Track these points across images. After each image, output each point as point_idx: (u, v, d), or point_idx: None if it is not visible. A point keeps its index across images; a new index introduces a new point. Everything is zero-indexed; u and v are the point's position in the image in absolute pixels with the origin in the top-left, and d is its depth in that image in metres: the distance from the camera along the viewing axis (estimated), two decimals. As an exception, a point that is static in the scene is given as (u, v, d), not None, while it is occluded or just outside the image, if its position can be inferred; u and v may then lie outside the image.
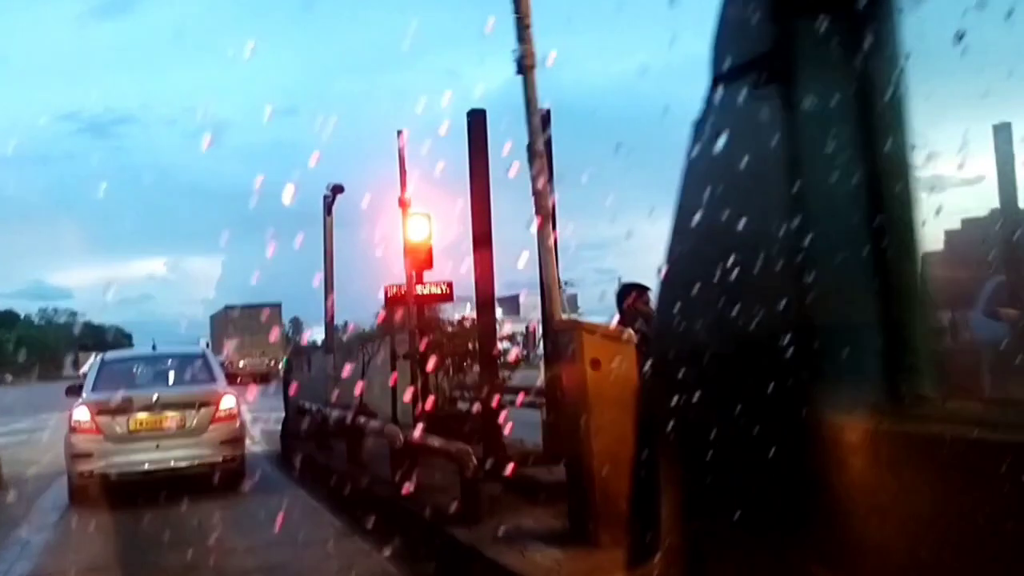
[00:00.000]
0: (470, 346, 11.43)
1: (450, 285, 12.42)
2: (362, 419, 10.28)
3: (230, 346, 44.10)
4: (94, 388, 11.23)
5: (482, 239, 8.93)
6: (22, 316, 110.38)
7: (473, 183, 8.99)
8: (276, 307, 48.88)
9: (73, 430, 10.56)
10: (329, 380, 13.90)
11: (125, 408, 10.61)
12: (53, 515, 10.21)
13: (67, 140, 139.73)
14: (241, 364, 42.47)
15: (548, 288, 9.06)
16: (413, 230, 11.71)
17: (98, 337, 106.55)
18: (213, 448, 10.63)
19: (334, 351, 14.30)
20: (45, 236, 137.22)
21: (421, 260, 11.85)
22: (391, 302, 12.35)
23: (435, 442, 7.57)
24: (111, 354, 13.90)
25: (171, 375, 12.24)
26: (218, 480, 10.44)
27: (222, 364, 15.26)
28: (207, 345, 37.61)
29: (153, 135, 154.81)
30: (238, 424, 11.17)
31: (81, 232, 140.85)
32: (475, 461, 6.81)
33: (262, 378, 39.70)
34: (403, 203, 11.00)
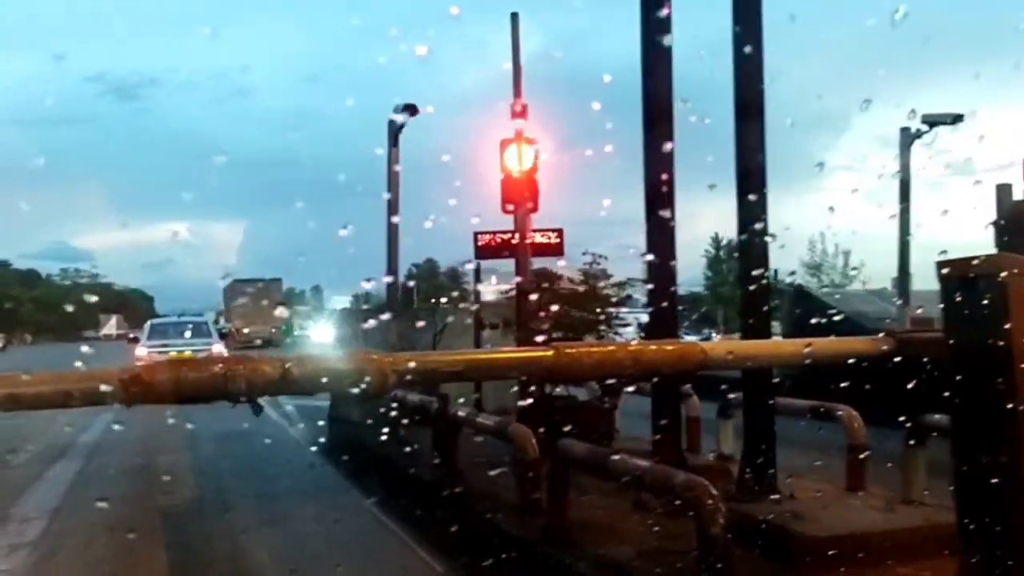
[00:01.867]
0: (598, 312, 8.48)
1: (560, 233, 9.50)
2: (463, 411, 7.39)
3: (237, 315, 49.85)
4: (148, 338, 20.49)
5: (661, 180, 5.93)
6: (44, 276, 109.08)
7: (649, 55, 5.99)
8: (278, 281, 55.37)
9: (135, 361, 15.03)
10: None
11: (166, 350, 18.25)
12: (34, 528, 7.43)
13: (93, 102, 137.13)
14: (246, 331, 47.71)
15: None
16: (517, 158, 8.82)
17: (120, 299, 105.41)
18: None
19: (398, 316, 11.47)
20: (69, 198, 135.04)
21: (525, 198, 8.96)
22: (484, 252, 9.43)
23: (633, 464, 4.62)
24: (156, 320, 24.34)
25: (188, 332, 20.69)
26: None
27: (228, 331, 28.72)
28: (218, 314, 48.45)
29: (177, 99, 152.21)
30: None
31: (105, 195, 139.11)
32: (722, 506, 3.90)
33: (265, 343, 45.44)
34: (517, 114, 8.05)
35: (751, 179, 5.89)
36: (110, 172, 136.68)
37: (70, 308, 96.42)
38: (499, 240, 9.29)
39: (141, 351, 19.53)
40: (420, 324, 11.41)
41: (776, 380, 8.19)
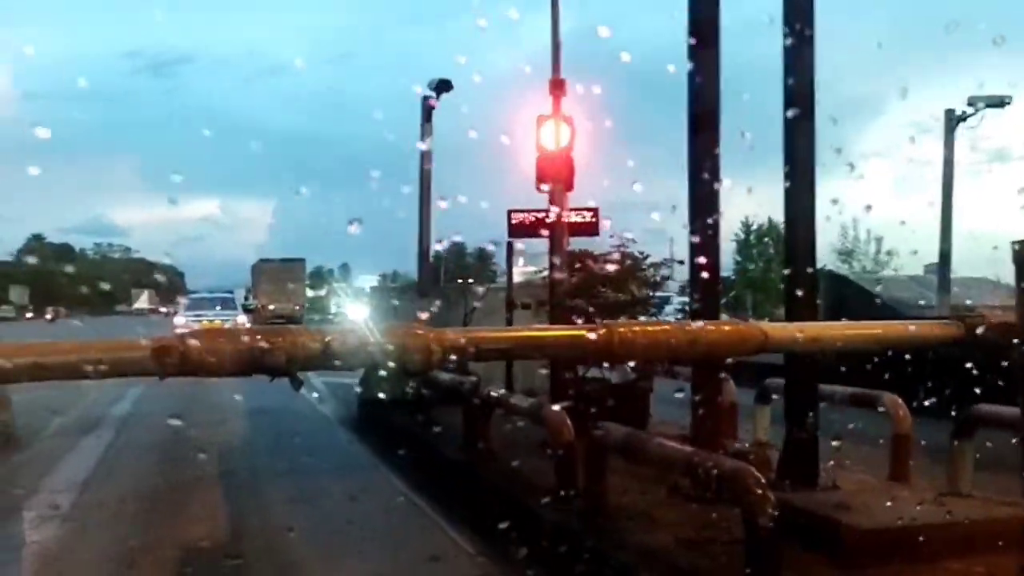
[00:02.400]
0: (634, 292, 8.30)
1: (595, 212, 9.31)
2: (496, 392, 7.27)
3: (263, 293, 53.42)
4: (185, 310, 25.71)
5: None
6: (78, 250, 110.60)
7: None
8: (301, 261, 58.87)
9: (174, 328, 18.38)
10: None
11: (200, 319, 22.57)
12: (66, 497, 7.42)
13: (128, 78, 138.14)
14: (271, 307, 51.13)
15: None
16: (554, 134, 8.65)
17: (152, 274, 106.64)
18: None
19: (429, 295, 11.36)
20: (104, 173, 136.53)
21: (560, 176, 8.80)
22: (518, 230, 9.26)
23: (676, 451, 4.47)
24: (193, 295, 29.13)
25: (218, 306, 26.04)
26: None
27: (255, 307, 37.77)
28: (247, 291, 54.32)
29: (210, 77, 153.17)
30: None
31: (138, 170, 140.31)
32: (771, 496, 3.73)
33: (288, 319, 46.16)
34: (556, 86, 7.86)
35: (799, 153, 5.67)
36: (143, 148, 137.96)
37: (104, 282, 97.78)
38: (533, 219, 9.12)
39: (179, 319, 24.45)
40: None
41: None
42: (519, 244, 10.94)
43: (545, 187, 8.99)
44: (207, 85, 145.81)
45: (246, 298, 54.85)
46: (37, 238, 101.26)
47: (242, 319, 25.47)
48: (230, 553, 5.73)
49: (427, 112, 11.24)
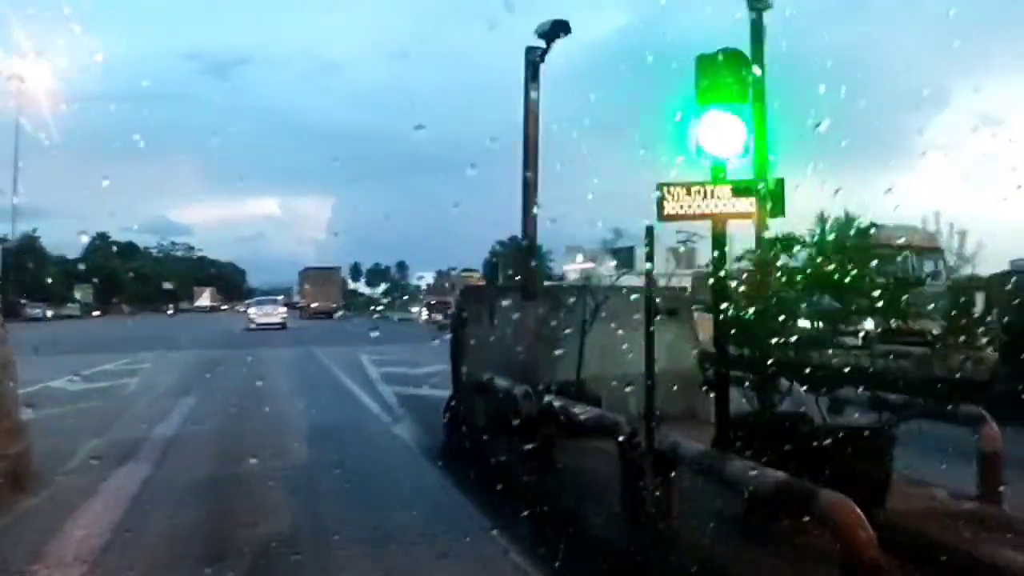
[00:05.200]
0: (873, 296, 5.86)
1: (779, 185, 6.88)
2: (669, 439, 4.90)
3: (307, 294, 69.18)
4: (254, 305, 49.46)
5: None
6: (142, 249, 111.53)
7: None
8: (337, 268, 76.33)
9: (249, 316, 45.96)
10: (532, 344, 8.70)
11: (261, 310, 46.73)
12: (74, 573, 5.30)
13: (189, 80, 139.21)
14: (314, 305, 65.88)
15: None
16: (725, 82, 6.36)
17: (214, 272, 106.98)
18: (281, 319, 45.23)
19: (539, 299, 9.08)
20: (167, 173, 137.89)
21: (732, 139, 6.52)
22: (671, 212, 6.85)
23: None
24: (256, 298, 55.55)
25: (270, 304, 48.79)
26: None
27: (302, 304, 67.41)
28: (297, 290, 75.12)
29: (269, 77, 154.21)
30: (286, 316, 47.03)
31: (201, 170, 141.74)
32: None
33: (327, 315, 63.32)
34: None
35: None
36: (205, 148, 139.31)
37: (168, 281, 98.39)
38: (691, 194, 6.69)
39: (252, 310, 46.04)
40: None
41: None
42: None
43: (705, 152, 6.69)
44: (266, 85, 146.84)
45: (300, 295, 72.46)
46: (102, 237, 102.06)
47: (282, 310, 46.88)
48: None
49: (533, 68, 8.94)
